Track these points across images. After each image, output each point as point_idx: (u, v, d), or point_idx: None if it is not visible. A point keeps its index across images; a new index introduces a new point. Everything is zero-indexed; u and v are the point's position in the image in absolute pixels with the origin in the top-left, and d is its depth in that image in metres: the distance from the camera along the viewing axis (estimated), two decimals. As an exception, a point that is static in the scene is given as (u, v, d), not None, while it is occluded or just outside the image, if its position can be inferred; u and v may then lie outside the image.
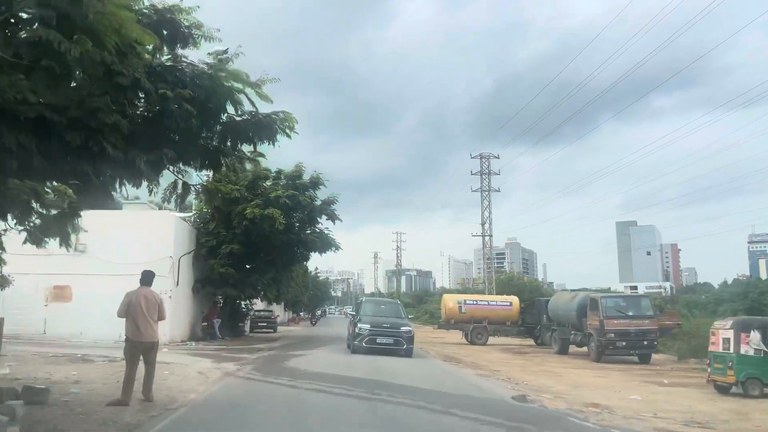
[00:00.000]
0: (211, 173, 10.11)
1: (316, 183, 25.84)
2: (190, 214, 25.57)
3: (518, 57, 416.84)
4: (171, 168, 8.66)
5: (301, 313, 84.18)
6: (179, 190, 8.93)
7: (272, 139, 8.29)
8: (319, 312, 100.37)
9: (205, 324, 24.62)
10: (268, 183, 25.79)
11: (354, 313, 22.86)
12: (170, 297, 20.75)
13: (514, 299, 33.37)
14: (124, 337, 8.59)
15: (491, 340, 30.72)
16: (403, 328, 19.55)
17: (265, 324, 36.60)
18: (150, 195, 8.74)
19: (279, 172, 26.23)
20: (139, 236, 21.02)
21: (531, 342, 31.07)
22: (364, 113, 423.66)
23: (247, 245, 24.71)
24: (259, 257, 25.95)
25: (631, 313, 21.01)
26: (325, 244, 26.95)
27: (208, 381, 10.51)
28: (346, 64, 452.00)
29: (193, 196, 8.93)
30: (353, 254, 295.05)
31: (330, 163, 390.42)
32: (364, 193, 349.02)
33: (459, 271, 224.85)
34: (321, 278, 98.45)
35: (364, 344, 18.76)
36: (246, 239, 24.54)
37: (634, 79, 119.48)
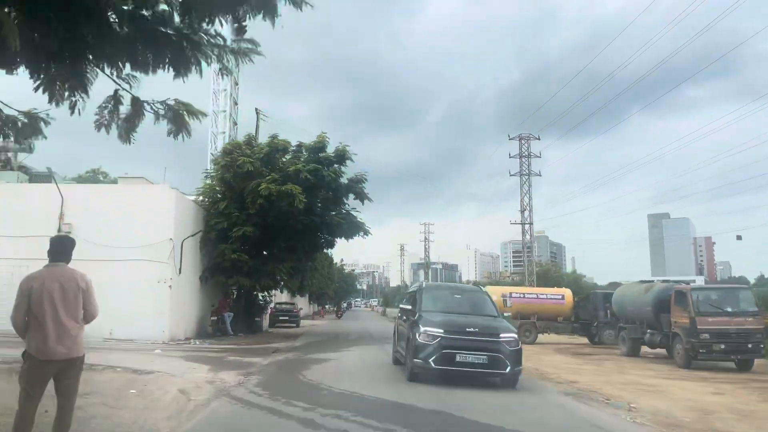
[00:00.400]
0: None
1: (342, 157, 22.28)
2: (198, 193, 22.29)
3: (547, 47, 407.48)
4: (105, 69, 5.21)
5: (327, 306, 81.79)
6: (123, 107, 5.49)
7: (269, 8, 4.76)
8: (344, 305, 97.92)
9: (214, 318, 21.36)
10: (288, 157, 22.34)
11: (409, 308, 13.01)
12: (170, 287, 17.55)
13: (567, 292, 29.44)
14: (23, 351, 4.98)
15: (538, 338, 27.09)
16: (504, 336, 10.94)
17: (286, 318, 33.35)
18: (71, 112, 5.26)
19: (300, 145, 22.73)
20: (133, 215, 17.81)
21: (584, 340, 27.28)
22: (390, 106, 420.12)
23: (263, 228, 21.35)
24: (278, 243, 22.59)
25: (729, 309, 17.05)
26: (353, 227, 23.40)
27: (187, 409, 7.03)
28: (373, 58, 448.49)
29: (154, 122, 5.69)
30: (378, 248, 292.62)
31: (355, 157, 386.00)
32: (390, 187, 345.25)
33: (485, 265, 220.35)
34: (346, 271, 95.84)
35: (432, 364, 10.42)
36: (262, 221, 21.18)
37: (666, 69, 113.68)
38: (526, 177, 47.27)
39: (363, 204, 23.12)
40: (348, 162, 22.56)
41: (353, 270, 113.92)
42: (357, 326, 37.82)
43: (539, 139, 48.03)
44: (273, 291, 26.67)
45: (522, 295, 28.88)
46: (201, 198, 22.11)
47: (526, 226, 48.00)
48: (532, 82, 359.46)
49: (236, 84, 34.86)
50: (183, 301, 18.69)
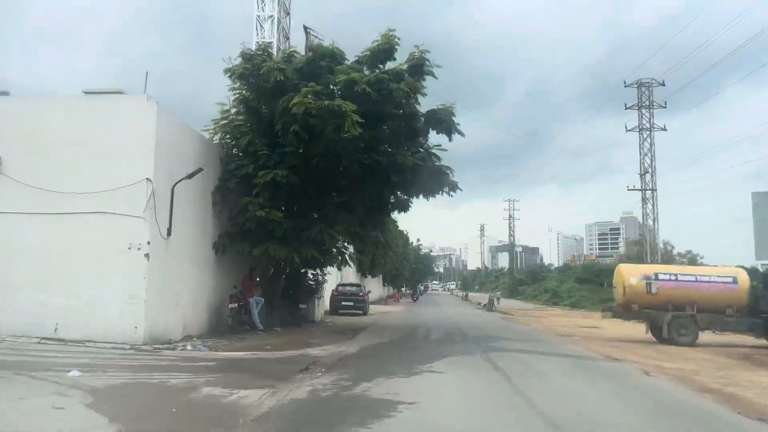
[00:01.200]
0: None
1: (418, 68, 14.76)
2: (212, 127, 15.30)
3: (634, 19, 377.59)
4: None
5: (402, 289, 75.87)
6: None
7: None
8: (421, 287, 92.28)
9: (234, 306, 14.50)
10: (340, 74, 14.85)
11: None
12: (146, 255, 10.88)
13: (741, 273, 20.55)
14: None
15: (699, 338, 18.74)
16: None
17: (350, 304, 26.53)
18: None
19: (359, 60, 15.33)
20: (93, 144, 11.26)
21: (758, 341, 18.59)
22: (465, 87, 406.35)
23: (305, 173, 14.35)
24: (326, 196, 15.61)
25: None
26: (437, 177, 15.75)
27: None
28: (447, 37, 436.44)
29: None
30: (455, 231, 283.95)
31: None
32: (466, 169, 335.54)
33: (569, 248, 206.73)
34: (422, 251, 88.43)
35: None
36: (302, 163, 14.19)
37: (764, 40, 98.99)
38: (647, 133, 37.70)
39: (451, 140, 15.52)
40: (429, 79, 15.07)
41: (430, 251, 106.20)
42: (439, 315, 30.59)
43: (664, 84, 38.18)
44: (327, 268, 19.61)
45: (673, 277, 20.32)
46: (217, 135, 15.23)
47: (648, 193, 38.36)
48: (616, 57, 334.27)
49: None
50: (175, 279, 11.96)
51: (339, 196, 15.75)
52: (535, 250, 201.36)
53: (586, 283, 53.19)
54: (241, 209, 14.14)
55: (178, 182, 11.86)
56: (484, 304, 40.85)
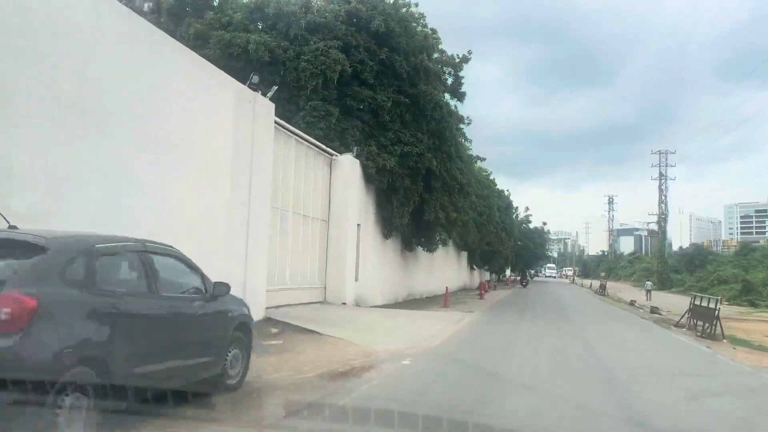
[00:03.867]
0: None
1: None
2: None
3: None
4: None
5: (506, 274, 62.75)
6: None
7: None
8: (532, 271, 78.72)
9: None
10: None
11: None
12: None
13: None
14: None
15: None
16: None
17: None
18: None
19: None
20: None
21: None
22: (585, 59, 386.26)
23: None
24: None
25: None
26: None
27: None
28: (567, 4, 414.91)
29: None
30: (570, 215, 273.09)
31: (545, 118, 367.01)
32: (585, 148, 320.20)
33: (703, 232, 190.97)
34: (533, 225, 66.43)
35: None
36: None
37: None
38: None
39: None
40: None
41: (543, 225, 74.90)
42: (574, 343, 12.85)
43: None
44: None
45: None
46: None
47: None
48: (761, 20, 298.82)
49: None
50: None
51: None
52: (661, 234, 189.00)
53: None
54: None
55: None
56: (652, 309, 24.71)
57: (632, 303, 30.15)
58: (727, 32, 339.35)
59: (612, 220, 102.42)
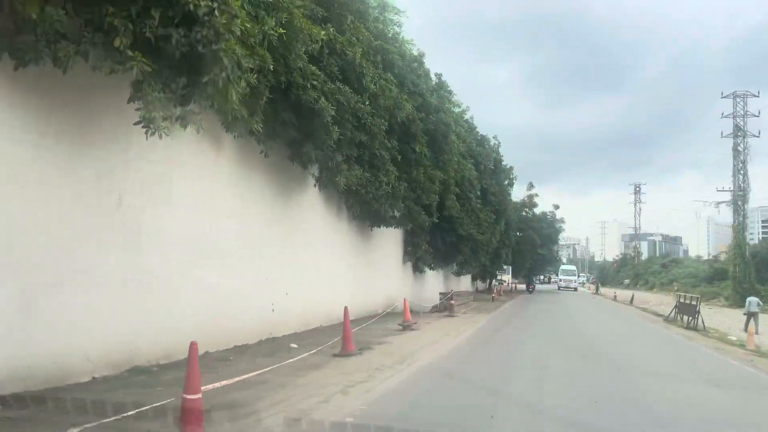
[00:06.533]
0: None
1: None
2: None
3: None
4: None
5: (499, 279, 44.65)
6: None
7: None
8: (541, 277, 72.06)
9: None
10: None
11: None
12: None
13: None
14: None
15: None
16: None
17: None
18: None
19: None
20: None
21: None
22: (598, 64, 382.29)
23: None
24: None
25: None
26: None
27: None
28: (582, 8, 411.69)
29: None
30: (581, 220, 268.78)
31: (557, 123, 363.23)
32: (596, 154, 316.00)
33: (721, 237, 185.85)
34: (539, 211, 49.15)
35: None
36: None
37: None
38: None
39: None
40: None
41: (554, 213, 52.55)
42: None
43: None
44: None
45: None
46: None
47: None
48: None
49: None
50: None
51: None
52: (676, 240, 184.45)
53: None
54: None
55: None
56: None
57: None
58: (741, 36, 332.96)
59: (639, 214, 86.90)
